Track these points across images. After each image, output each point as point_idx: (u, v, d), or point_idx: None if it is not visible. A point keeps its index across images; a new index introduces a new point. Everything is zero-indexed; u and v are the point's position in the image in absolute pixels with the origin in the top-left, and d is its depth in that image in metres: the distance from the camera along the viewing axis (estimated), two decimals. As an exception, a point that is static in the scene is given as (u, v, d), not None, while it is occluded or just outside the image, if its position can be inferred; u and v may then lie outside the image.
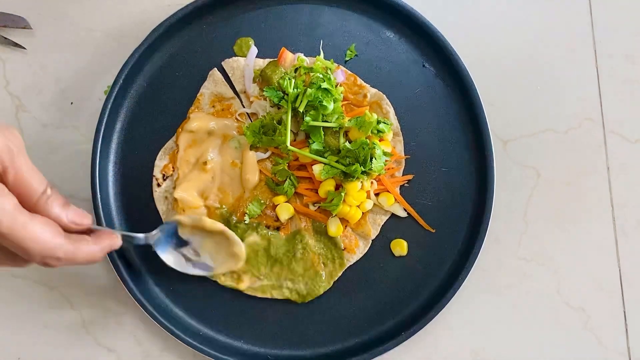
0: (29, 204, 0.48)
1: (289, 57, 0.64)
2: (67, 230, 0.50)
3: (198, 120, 0.64)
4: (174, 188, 0.63)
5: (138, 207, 0.64)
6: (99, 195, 0.63)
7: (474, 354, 0.63)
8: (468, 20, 0.69)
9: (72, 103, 0.68)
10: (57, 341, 0.64)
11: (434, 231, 0.63)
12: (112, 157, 0.65)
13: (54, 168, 0.66)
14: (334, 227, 0.62)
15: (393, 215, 0.64)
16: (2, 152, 0.48)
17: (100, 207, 0.63)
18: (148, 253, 0.61)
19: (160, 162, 0.64)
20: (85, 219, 0.52)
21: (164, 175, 0.64)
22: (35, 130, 0.67)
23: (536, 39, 0.69)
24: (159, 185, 0.64)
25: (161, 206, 0.64)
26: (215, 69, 0.65)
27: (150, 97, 0.66)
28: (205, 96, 0.65)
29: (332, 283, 0.62)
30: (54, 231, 0.48)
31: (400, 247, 0.63)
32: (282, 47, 0.65)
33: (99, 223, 0.63)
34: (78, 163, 0.66)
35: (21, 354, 0.64)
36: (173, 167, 0.64)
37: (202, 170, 0.63)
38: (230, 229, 0.60)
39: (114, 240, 0.54)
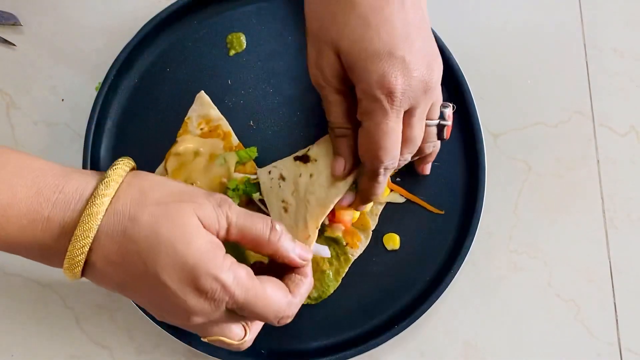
0: (261, 247, 0.50)
1: None
2: (293, 265, 0.51)
3: (185, 142, 0.63)
4: None
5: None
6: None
7: (466, 345, 0.64)
8: (458, 15, 0.69)
9: (63, 100, 0.68)
10: (50, 338, 0.64)
11: (442, 212, 0.64)
12: (104, 154, 0.65)
13: (46, 165, 0.66)
14: (339, 231, 0.62)
15: (386, 210, 0.64)
16: (222, 208, 0.48)
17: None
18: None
19: None
20: (309, 254, 0.52)
21: None
22: (26, 127, 0.67)
23: (526, 33, 0.69)
24: None
25: None
26: (202, 91, 0.65)
27: (142, 93, 0.66)
28: (192, 119, 0.64)
29: (340, 280, 0.63)
30: (283, 291, 0.50)
31: (392, 241, 0.64)
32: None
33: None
34: (70, 160, 0.66)
35: (14, 351, 0.64)
36: None
37: None
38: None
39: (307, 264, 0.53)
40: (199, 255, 0.46)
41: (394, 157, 0.52)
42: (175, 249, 0.45)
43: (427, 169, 0.63)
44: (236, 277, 0.47)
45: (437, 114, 0.56)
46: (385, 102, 0.49)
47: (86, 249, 0.46)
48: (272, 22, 0.67)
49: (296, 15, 0.67)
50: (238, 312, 0.48)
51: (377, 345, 0.61)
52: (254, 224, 0.49)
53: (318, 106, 0.61)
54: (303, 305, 0.62)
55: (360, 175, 0.56)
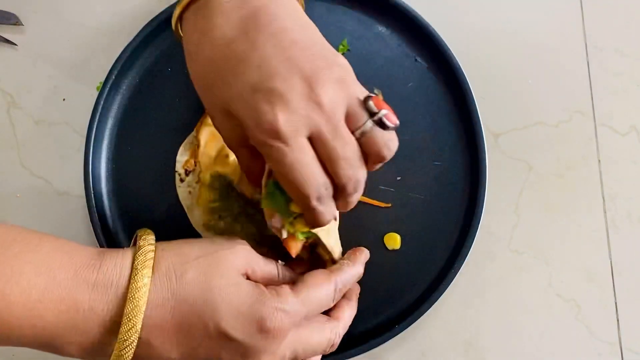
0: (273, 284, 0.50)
1: None
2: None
3: None
4: (197, 182, 0.62)
5: (134, 204, 0.64)
6: (92, 192, 0.63)
7: (466, 345, 0.64)
8: (459, 14, 0.69)
9: (64, 99, 0.68)
10: (52, 337, 0.64)
11: (389, 205, 0.63)
12: (105, 154, 0.65)
13: (47, 165, 0.66)
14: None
15: (386, 210, 0.64)
16: (247, 256, 0.50)
17: (94, 204, 0.63)
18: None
19: (182, 158, 0.64)
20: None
21: (186, 170, 0.64)
22: (28, 127, 0.67)
23: (527, 33, 0.69)
24: (182, 180, 0.64)
25: (185, 202, 0.63)
26: None
27: (143, 93, 0.66)
28: None
29: None
30: (324, 277, 0.51)
31: (393, 241, 0.64)
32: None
33: (92, 220, 0.63)
34: (71, 160, 0.66)
35: (15, 351, 0.64)
36: (195, 162, 0.63)
37: (224, 164, 0.62)
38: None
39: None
40: (249, 294, 0.46)
41: (317, 185, 0.45)
42: (228, 295, 0.45)
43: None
44: (288, 296, 0.47)
45: (363, 115, 0.46)
46: (274, 142, 0.43)
47: (138, 325, 0.43)
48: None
49: (297, 15, 0.67)
50: (303, 322, 0.49)
51: (378, 344, 0.61)
52: (268, 268, 0.51)
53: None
54: (304, 305, 0.62)
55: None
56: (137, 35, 0.65)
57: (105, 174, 0.65)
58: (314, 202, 0.46)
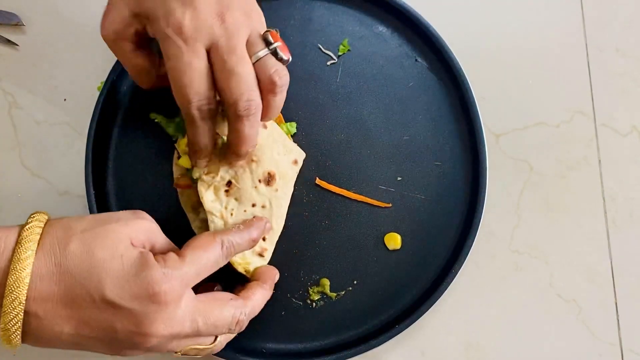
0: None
1: None
2: None
3: None
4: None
5: (134, 203, 0.64)
6: (92, 192, 0.63)
7: (467, 345, 0.64)
8: (460, 14, 0.69)
9: (65, 99, 0.68)
10: (52, 337, 0.64)
11: (390, 206, 0.64)
12: (106, 154, 0.65)
13: (49, 165, 0.66)
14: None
15: (387, 210, 0.64)
16: (148, 233, 0.51)
17: (95, 204, 0.63)
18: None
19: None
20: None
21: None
22: (29, 127, 0.67)
23: (528, 33, 0.69)
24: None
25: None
26: None
27: (144, 93, 0.66)
28: None
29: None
30: (225, 301, 0.53)
31: (394, 240, 0.64)
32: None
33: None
34: (73, 160, 0.66)
35: (17, 350, 0.64)
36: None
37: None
38: None
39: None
40: (134, 260, 0.47)
41: (200, 94, 0.51)
42: (113, 266, 0.46)
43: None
44: (174, 260, 0.48)
45: (260, 44, 0.53)
46: (176, 38, 0.50)
47: (22, 297, 0.43)
48: (272, 22, 0.67)
49: (298, 13, 0.67)
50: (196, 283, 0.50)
51: (378, 344, 0.61)
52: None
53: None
54: (304, 306, 0.62)
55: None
56: (138, 36, 0.65)
57: (108, 174, 0.65)
58: (194, 111, 0.51)
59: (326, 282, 0.63)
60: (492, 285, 0.65)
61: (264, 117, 0.55)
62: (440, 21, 0.65)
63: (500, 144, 0.67)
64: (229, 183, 0.58)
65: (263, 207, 0.59)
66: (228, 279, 0.64)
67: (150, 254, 0.48)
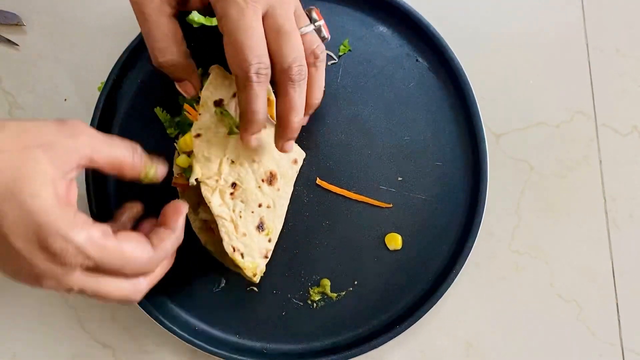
0: (124, 170, 0.50)
1: None
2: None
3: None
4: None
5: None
6: (92, 193, 0.63)
7: (467, 345, 0.64)
8: (461, 15, 0.69)
9: (65, 99, 0.68)
10: (53, 337, 0.64)
11: (391, 206, 0.64)
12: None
13: (48, 164, 0.66)
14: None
15: (388, 210, 0.64)
16: (82, 147, 0.46)
17: (94, 205, 0.63)
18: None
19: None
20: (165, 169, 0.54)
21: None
22: (29, 127, 0.67)
23: (528, 33, 0.69)
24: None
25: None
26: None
27: (145, 93, 0.66)
28: None
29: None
30: (143, 246, 0.49)
31: (394, 241, 0.64)
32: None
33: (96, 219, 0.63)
34: (72, 159, 0.66)
35: (16, 350, 0.64)
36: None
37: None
38: None
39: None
40: (46, 209, 0.42)
41: (260, 56, 0.51)
42: (20, 203, 0.42)
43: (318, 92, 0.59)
44: (89, 237, 0.44)
45: (306, 19, 0.56)
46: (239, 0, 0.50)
47: None
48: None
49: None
50: (96, 271, 0.46)
51: (379, 345, 0.61)
52: (115, 147, 0.49)
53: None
54: (305, 306, 0.62)
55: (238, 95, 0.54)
56: (138, 36, 0.65)
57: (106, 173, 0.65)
58: (252, 73, 0.51)
59: (327, 283, 0.63)
60: (492, 285, 0.65)
61: (309, 95, 0.56)
62: (440, 21, 0.65)
63: (500, 144, 0.67)
64: (234, 185, 0.57)
65: (268, 207, 0.59)
66: (230, 275, 0.64)
67: (70, 208, 0.44)
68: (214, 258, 0.62)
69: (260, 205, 0.58)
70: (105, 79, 0.64)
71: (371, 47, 0.67)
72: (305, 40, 0.55)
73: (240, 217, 0.57)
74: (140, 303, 0.61)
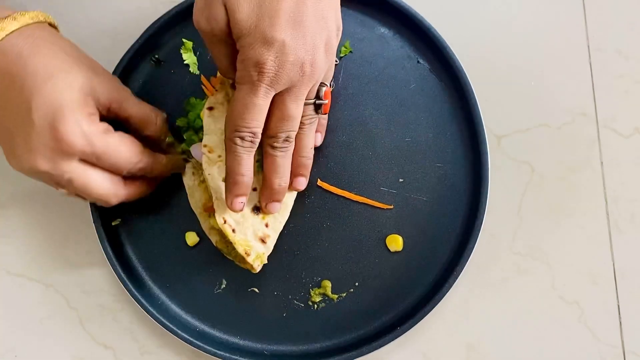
0: (149, 127, 0.61)
1: None
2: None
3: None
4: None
5: (136, 204, 0.64)
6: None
7: (469, 348, 0.64)
8: (462, 16, 0.69)
9: (67, 101, 0.68)
10: (54, 338, 0.65)
11: (391, 207, 0.64)
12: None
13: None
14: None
15: (389, 211, 0.64)
16: (112, 94, 0.57)
17: (98, 208, 0.63)
18: (145, 249, 0.61)
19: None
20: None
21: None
22: (31, 128, 0.67)
23: (529, 34, 0.69)
24: (187, 161, 0.64)
25: (188, 182, 0.63)
26: None
27: (147, 95, 0.66)
28: None
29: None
30: (137, 146, 0.57)
31: (395, 242, 0.64)
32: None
33: (94, 220, 0.63)
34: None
35: (18, 351, 0.64)
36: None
37: None
38: None
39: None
40: (72, 98, 0.52)
41: (251, 128, 0.52)
42: (54, 87, 0.52)
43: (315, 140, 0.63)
44: (98, 129, 0.54)
45: (314, 94, 0.56)
46: (256, 79, 0.51)
47: None
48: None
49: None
50: (93, 161, 0.54)
51: (380, 346, 0.61)
52: (144, 105, 0.60)
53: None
54: (306, 307, 0.62)
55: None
56: (140, 38, 0.65)
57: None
58: (238, 139, 0.53)
59: (327, 284, 0.63)
60: (493, 287, 0.65)
61: (295, 154, 0.59)
62: (441, 23, 0.65)
63: (502, 146, 0.67)
64: None
65: None
66: (231, 276, 0.64)
67: (87, 107, 0.54)
68: (214, 259, 0.63)
69: (255, 189, 0.59)
70: (106, 80, 0.64)
71: (372, 49, 0.67)
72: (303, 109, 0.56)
73: None
74: (141, 304, 0.61)
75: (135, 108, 0.59)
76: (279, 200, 0.59)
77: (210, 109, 0.60)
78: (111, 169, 0.56)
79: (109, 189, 0.56)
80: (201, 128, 0.62)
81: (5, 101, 0.53)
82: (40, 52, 0.53)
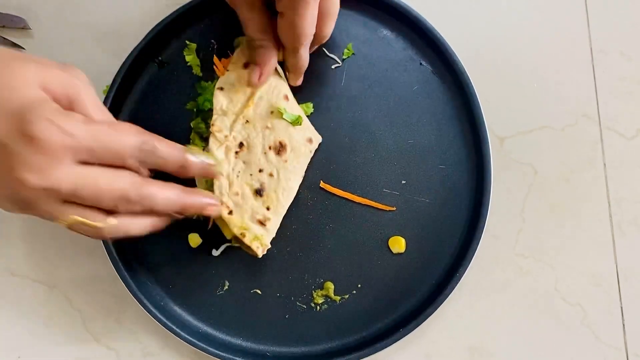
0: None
1: None
2: None
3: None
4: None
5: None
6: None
7: (472, 349, 0.64)
8: (464, 18, 0.69)
9: (71, 103, 0.68)
10: (57, 339, 0.65)
11: (394, 209, 0.64)
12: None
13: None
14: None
15: (390, 213, 0.64)
16: (68, 87, 0.45)
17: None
18: (148, 250, 0.61)
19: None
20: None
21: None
22: (35, 130, 0.68)
23: (532, 36, 0.69)
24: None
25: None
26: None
27: (150, 97, 0.66)
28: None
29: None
30: (135, 129, 0.48)
31: (398, 244, 0.64)
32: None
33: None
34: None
35: (21, 352, 0.65)
36: None
37: None
38: None
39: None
40: (29, 98, 0.42)
41: (311, 35, 0.57)
42: (3, 95, 0.42)
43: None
44: (75, 119, 0.43)
45: None
46: None
47: None
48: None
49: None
50: (92, 160, 0.44)
51: (382, 348, 0.61)
52: (96, 115, 0.47)
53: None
54: (308, 309, 0.62)
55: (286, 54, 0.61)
56: (143, 39, 0.65)
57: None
58: (302, 48, 0.58)
59: (330, 286, 0.63)
60: (496, 289, 0.65)
61: (319, 22, 0.59)
62: (444, 25, 0.65)
63: (504, 148, 0.67)
64: (241, 145, 0.60)
65: (270, 175, 0.60)
66: (234, 278, 0.64)
67: (53, 103, 0.44)
68: (217, 261, 0.63)
69: (260, 171, 0.60)
70: (110, 82, 0.65)
71: (375, 51, 0.67)
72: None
73: (238, 176, 0.59)
74: (144, 305, 0.61)
75: (61, 84, 0.47)
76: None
77: (221, 89, 0.61)
78: (117, 163, 0.46)
79: (125, 183, 0.46)
80: (209, 112, 0.62)
81: None
82: None
